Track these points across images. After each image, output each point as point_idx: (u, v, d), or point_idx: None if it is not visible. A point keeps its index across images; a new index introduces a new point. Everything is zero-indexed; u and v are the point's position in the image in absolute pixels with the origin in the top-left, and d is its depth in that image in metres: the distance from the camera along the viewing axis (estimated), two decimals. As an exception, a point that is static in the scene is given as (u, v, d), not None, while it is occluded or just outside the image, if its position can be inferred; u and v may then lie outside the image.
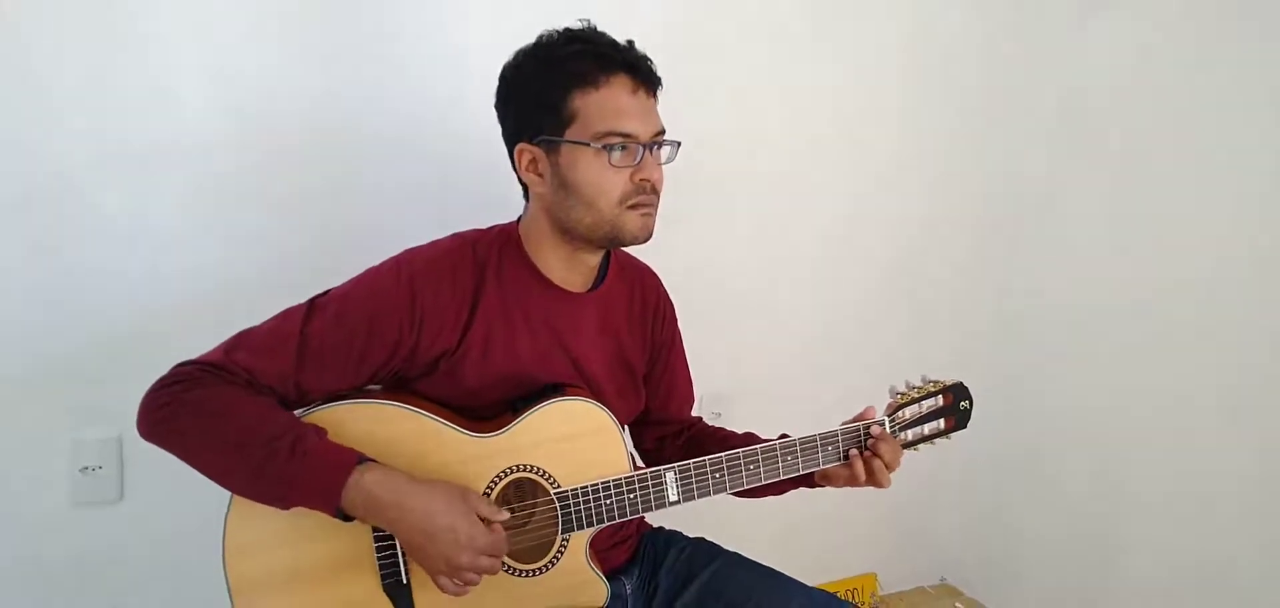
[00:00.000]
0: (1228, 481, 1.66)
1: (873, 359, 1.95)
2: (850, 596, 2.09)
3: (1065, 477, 1.98)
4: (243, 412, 0.97)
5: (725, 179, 1.78)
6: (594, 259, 1.18)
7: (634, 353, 1.26)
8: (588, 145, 1.06)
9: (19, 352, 1.35)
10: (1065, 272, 1.96)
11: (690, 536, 1.34)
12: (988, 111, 2.02)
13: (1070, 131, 1.94)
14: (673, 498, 1.14)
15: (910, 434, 1.23)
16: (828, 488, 1.23)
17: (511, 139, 1.13)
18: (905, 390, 1.24)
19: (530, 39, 1.12)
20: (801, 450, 1.18)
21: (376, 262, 1.11)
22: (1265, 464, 1.59)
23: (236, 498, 1.00)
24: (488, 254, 1.14)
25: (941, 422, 1.26)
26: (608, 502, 1.11)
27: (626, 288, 1.27)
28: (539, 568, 1.11)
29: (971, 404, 1.27)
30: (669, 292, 1.34)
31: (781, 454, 1.17)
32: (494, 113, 1.15)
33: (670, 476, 1.14)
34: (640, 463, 1.34)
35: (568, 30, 1.10)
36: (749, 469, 1.17)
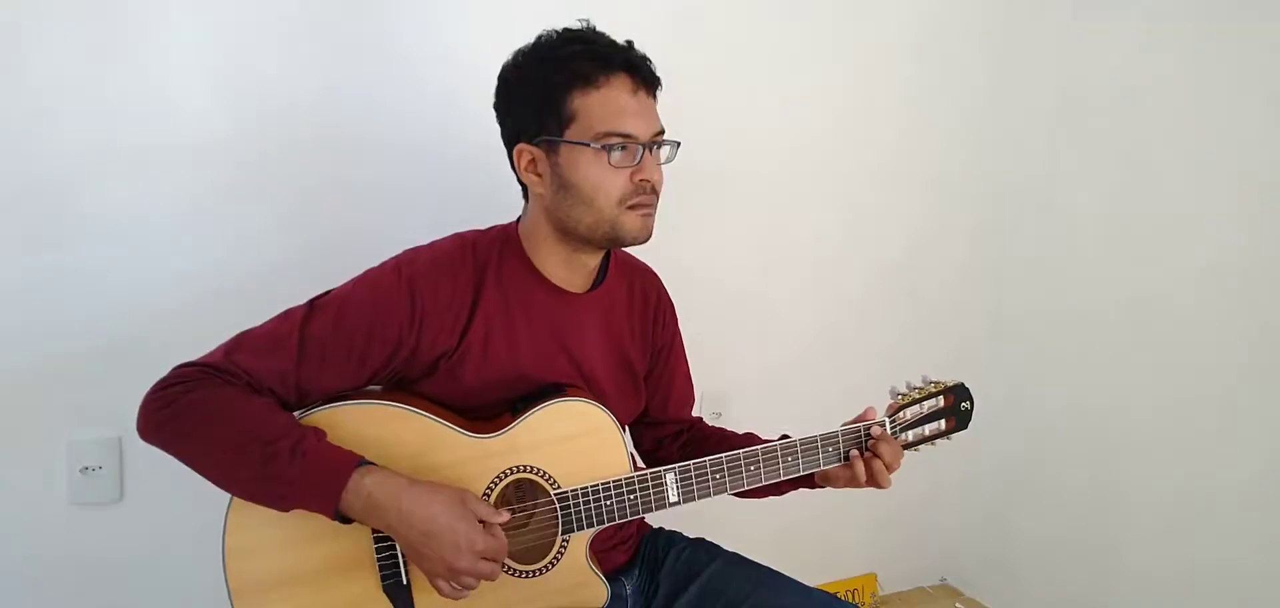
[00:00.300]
0: (1228, 481, 1.66)
1: (873, 359, 1.95)
2: (850, 596, 2.09)
3: (1065, 478, 1.98)
4: (242, 414, 0.97)
5: (725, 179, 1.78)
6: (593, 260, 1.18)
7: (634, 353, 1.26)
8: (587, 145, 1.06)
9: (19, 351, 1.35)
10: (1065, 272, 1.96)
11: (690, 536, 1.34)
12: (988, 112, 2.02)
13: (1070, 133, 1.94)
14: (673, 499, 1.14)
15: (911, 435, 1.23)
16: (828, 489, 1.23)
17: (511, 140, 1.13)
18: (906, 391, 1.24)
19: (529, 39, 1.12)
20: (802, 451, 1.18)
21: (376, 262, 1.11)
22: (1265, 464, 1.59)
23: (236, 500, 1.00)
24: (487, 255, 1.14)
25: (942, 422, 1.25)
26: (608, 503, 1.11)
27: (626, 288, 1.26)
28: (539, 569, 1.11)
29: (972, 405, 1.27)
30: (669, 292, 1.34)
31: (782, 455, 1.17)
32: (493, 113, 1.15)
33: (670, 476, 1.14)
34: (640, 464, 1.34)
35: (567, 30, 1.10)
36: (749, 470, 1.16)
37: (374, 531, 1.04)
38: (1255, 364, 1.60)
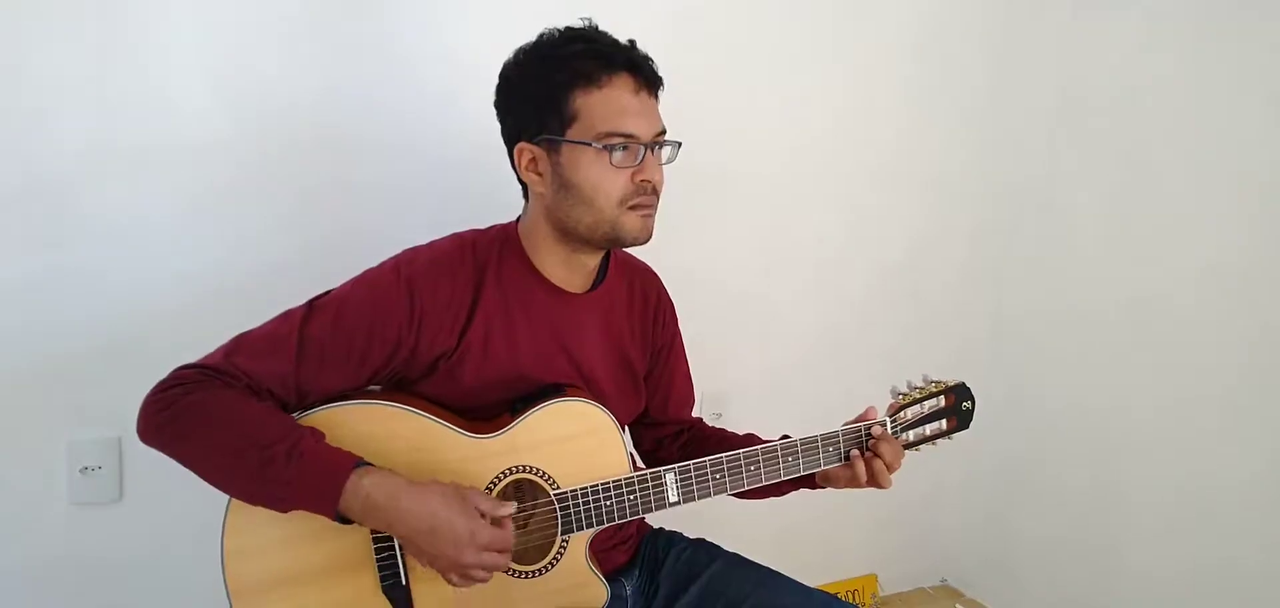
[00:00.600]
0: (1228, 481, 1.66)
1: (873, 359, 1.95)
2: (850, 596, 2.09)
3: (1066, 478, 1.98)
4: (241, 416, 0.97)
5: (726, 179, 1.78)
6: (593, 260, 1.18)
7: (634, 353, 1.26)
8: (589, 145, 1.06)
9: (19, 351, 1.35)
10: (1065, 272, 1.96)
11: (690, 536, 1.34)
12: (988, 112, 2.02)
13: (1070, 132, 1.94)
14: (673, 499, 1.14)
15: (912, 435, 1.23)
16: (828, 489, 1.23)
17: (511, 138, 1.13)
18: (907, 391, 1.24)
19: (531, 38, 1.11)
20: (802, 451, 1.18)
21: (376, 262, 1.11)
22: (1266, 464, 1.59)
23: (234, 501, 1.00)
24: (487, 255, 1.14)
25: (943, 422, 1.25)
26: (608, 503, 1.11)
27: (626, 288, 1.26)
28: (538, 569, 1.11)
29: (974, 405, 1.27)
30: (670, 292, 1.34)
31: (782, 455, 1.17)
32: (493, 113, 1.14)
33: (670, 476, 1.14)
34: (640, 464, 1.34)
35: (570, 29, 1.10)
36: (749, 470, 1.16)
37: (373, 531, 1.04)
38: (1255, 364, 1.60)
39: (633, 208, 1.09)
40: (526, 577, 1.10)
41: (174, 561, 1.45)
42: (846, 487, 1.20)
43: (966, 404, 1.26)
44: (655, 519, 1.35)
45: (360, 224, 1.48)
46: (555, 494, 1.10)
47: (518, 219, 1.19)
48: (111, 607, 1.45)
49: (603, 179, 1.07)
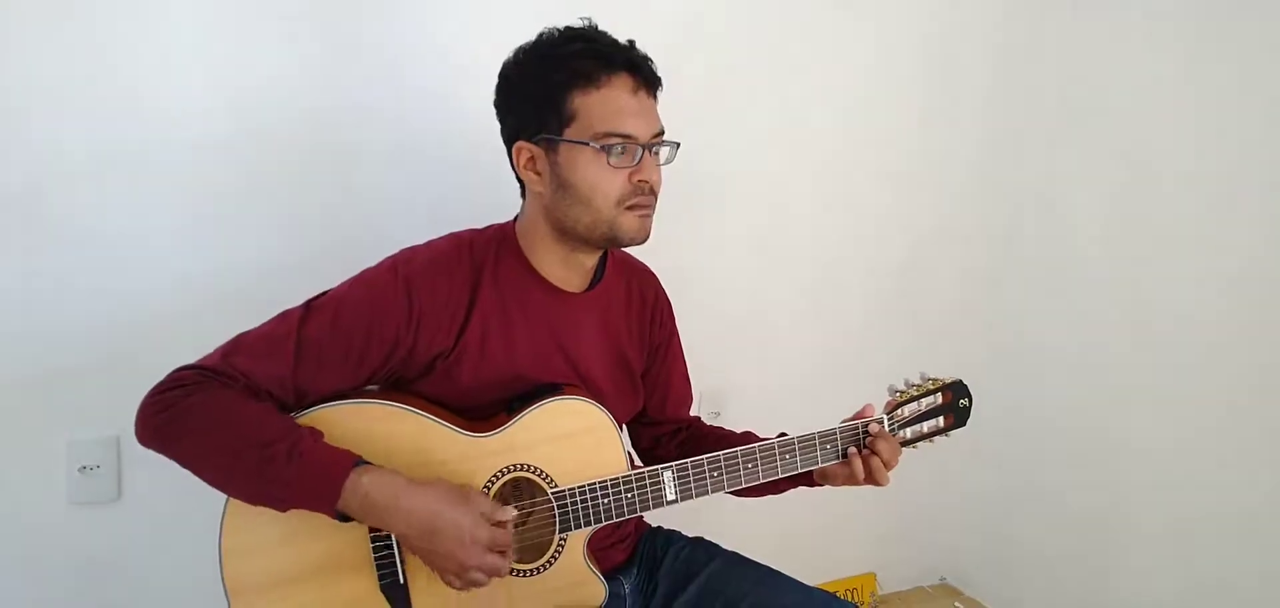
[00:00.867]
0: (1228, 483, 1.65)
1: (872, 358, 1.95)
2: (850, 596, 2.09)
3: (1065, 477, 1.97)
4: (239, 417, 0.97)
5: (725, 179, 1.77)
6: (591, 259, 1.18)
7: (631, 352, 1.26)
8: (587, 145, 1.06)
9: (18, 351, 1.35)
10: (1065, 273, 1.96)
11: (689, 535, 1.34)
12: (988, 112, 2.01)
13: (1070, 133, 1.93)
14: (670, 497, 1.14)
15: (909, 432, 1.23)
16: (827, 487, 1.23)
17: (510, 137, 1.13)
18: (904, 388, 1.24)
19: (530, 38, 1.12)
20: (800, 449, 1.18)
21: (373, 262, 1.11)
22: (1266, 464, 1.59)
23: (231, 500, 1.00)
24: (484, 254, 1.14)
25: (940, 420, 1.25)
26: (605, 501, 1.11)
27: (624, 287, 1.26)
28: (537, 568, 1.11)
29: (971, 402, 1.27)
30: (668, 292, 1.34)
31: (780, 453, 1.17)
32: (492, 112, 1.15)
33: (668, 475, 1.14)
34: (638, 462, 1.34)
35: (569, 29, 1.10)
36: (747, 468, 1.16)
37: (371, 529, 1.04)
38: (1256, 364, 1.60)
39: (630, 208, 1.09)
40: (524, 575, 1.11)
41: (172, 560, 1.45)
42: (844, 485, 1.20)
43: (964, 402, 1.26)
44: (653, 518, 1.35)
45: (359, 224, 1.48)
46: (553, 493, 1.10)
47: (515, 219, 1.20)
48: (110, 606, 1.45)
49: (600, 179, 1.07)
